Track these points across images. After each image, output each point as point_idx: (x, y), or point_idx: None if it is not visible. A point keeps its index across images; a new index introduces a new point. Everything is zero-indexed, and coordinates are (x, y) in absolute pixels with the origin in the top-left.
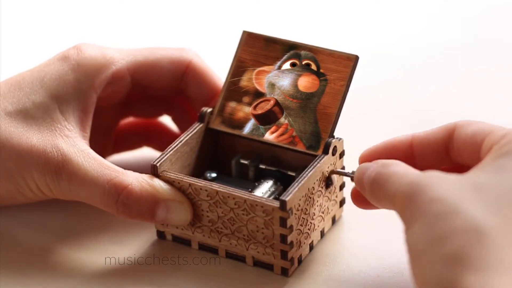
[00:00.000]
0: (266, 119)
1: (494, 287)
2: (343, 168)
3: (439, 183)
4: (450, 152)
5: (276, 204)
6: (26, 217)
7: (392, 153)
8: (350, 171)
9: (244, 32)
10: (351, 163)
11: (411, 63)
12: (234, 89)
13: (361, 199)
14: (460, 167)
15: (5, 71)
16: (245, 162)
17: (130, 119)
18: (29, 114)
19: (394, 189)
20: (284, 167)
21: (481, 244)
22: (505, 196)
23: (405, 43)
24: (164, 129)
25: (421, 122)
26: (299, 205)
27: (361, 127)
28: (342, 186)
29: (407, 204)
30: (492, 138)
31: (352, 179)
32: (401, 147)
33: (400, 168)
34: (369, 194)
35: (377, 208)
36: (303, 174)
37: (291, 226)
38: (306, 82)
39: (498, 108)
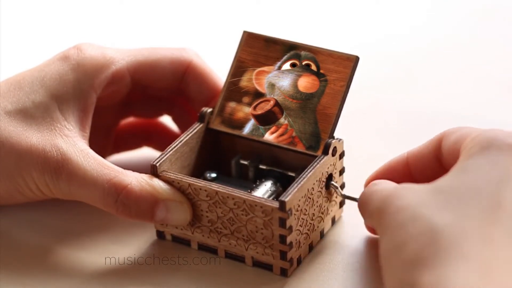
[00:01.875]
0: (266, 120)
1: (450, 279)
2: (343, 169)
3: (406, 193)
4: (441, 161)
5: (276, 204)
6: (26, 217)
7: (391, 173)
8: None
9: (244, 32)
10: (351, 164)
11: (412, 63)
12: (234, 89)
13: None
14: None
15: (5, 71)
16: (245, 162)
17: (130, 119)
18: (29, 114)
19: (372, 206)
20: (283, 167)
21: (435, 243)
22: (460, 194)
23: (405, 42)
24: (164, 129)
25: (422, 121)
26: (299, 206)
27: (361, 127)
28: (342, 187)
29: (379, 217)
30: (466, 142)
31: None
32: (398, 166)
33: (380, 186)
34: (361, 214)
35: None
36: (303, 175)
37: (291, 227)
38: (306, 83)
39: (497, 105)
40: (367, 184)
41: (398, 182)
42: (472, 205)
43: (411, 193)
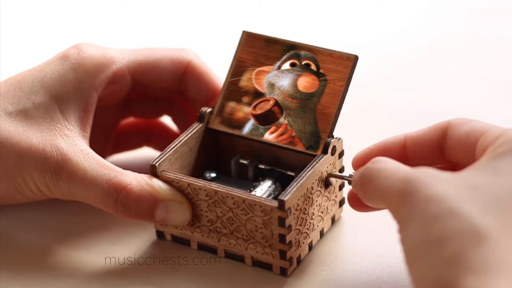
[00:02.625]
0: (266, 119)
1: None
2: (342, 168)
3: (435, 181)
4: (443, 151)
5: (275, 203)
6: (26, 217)
7: (385, 154)
8: (347, 174)
9: (244, 32)
10: (350, 164)
11: (411, 62)
12: (234, 89)
13: (358, 201)
14: (453, 166)
15: (5, 71)
16: (245, 162)
17: (130, 119)
18: (29, 114)
19: (386, 185)
20: (283, 167)
21: (480, 246)
22: (501, 197)
23: (405, 42)
24: (164, 129)
25: (421, 121)
26: (298, 205)
27: (361, 127)
28: (341, 186)
29: (401, 202)
30: (487, 138)
31: (349, 183)
32: (394, 148)
33: (390, 164)
34: (359, 190)
35: (373, 210)
36: (302, 174)
37: (290, 226)
38: (305, 82)
39: (497, 105)
40: (357, 160)
41: None
42: None
43: (441, 183)
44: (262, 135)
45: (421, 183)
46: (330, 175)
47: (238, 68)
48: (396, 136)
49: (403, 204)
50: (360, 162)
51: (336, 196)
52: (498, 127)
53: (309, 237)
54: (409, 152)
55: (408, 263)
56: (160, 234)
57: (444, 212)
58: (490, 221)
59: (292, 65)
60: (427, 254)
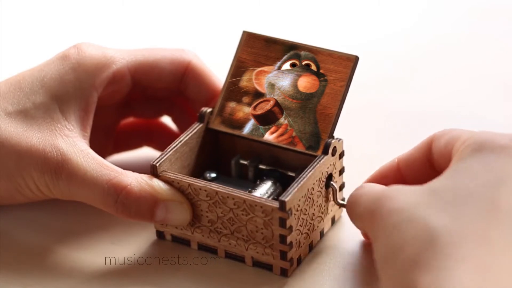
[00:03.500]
0: (266, 120)
1: (448, 281)
2: (343, 169)
3: (398, 194)
4: (434, 165)
5: (276, 204)
6: (26, 217)
7: (383, 180)
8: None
9: (244, 32)
10: (350, 164)
11: (411, 62)
12: (234, 89)
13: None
14: None
15: (5, 71)
16: (245, 162)
17: (130, 119)
18: (29, 114)
19: (362, 208)
20: (283, 167)
21: (433, 246)
22: (455, 196)
23: (405, 42)
24: (164, 129)
25: (421, 121)
26: (299, 206)
27: (361, 127)
28: (342, 187)
29: (371, 220)
30: (457, 145)
31: None
32: (389, 173)
33: (367, 188)
34: (349, 216)
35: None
36: (303, 175)
37: (291, 227)
38: (306, 83)
39: (496, 104)
40: None
41: None
42: (468, 207)
43: (403, 194)
44: (262, 135)
45: (386, 198)
46: (336, 202)
47: (238, 68)
48: (389, 162)
49: (372, 221)
50: None
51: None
52: (470, 132)
53: (309, 237)
54: (403, 173)
55: (379, 275)
56: (160, 234)
57: (403, 220)
58: (442, 220)
59: (292, 65)
60: (389, 263)
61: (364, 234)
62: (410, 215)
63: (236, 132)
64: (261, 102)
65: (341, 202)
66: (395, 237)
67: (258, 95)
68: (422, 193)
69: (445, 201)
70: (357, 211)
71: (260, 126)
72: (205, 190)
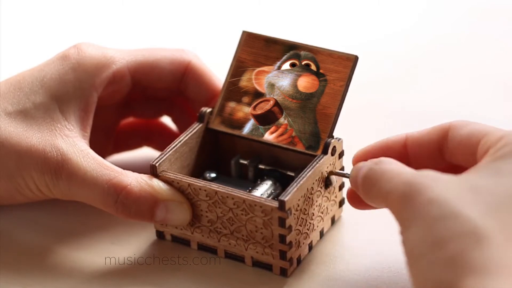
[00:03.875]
0: (266, 119)
1: None
2: (342, 168)
3: (437, 183)
4: (444, 152)
5: (275, 204)
6: (26, 217)
7: (386, 153)
8: (349, 172)
9: (244, 32)
10: (350, 163)
11: (411, 62)
12: (234, 89)
13: (357, 199)
14: (454, 167)
15: (5, 71)
16: (245, 162)
17: (130, 119)
18: (29, 114)
19: (389, 187)
20: (283, 167)
21: (480, 248)
22: (502, 199)
23: (405, 42)
24: (164, 129)
25: (421, 121)
26: (298, 205)
27: (361, 127)
28: (341, 186)
29: (403, 205)
30: (489, 140)
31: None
32: (395, 147)
33: (394, 166)
34: (361, 191)
35: (372, 208)
36: (302, 174)
37: (290, 226)
38: (305, 83)
39: (495, 104)
40: (357, 157)
41: None
42: None
43: (443, 185)
44: (262, 135)
45: (423, 186)
46: (331, 172)
47: (238, 68)
48: (398, 135)
49: (405, 206)
50: (360, 159)
51: (336, 197)
52: (500, 129)
53: (309, 237)
54: (409, 152)
55: (409, 265)
56: (160, 234)
57: (445, 214)
58: (491, 223)
59: (292, 65)
60: (428, 256)
61: (356, 201)
62: (454, 209)
63: (236, 132)
64: (261, 102)
65: (336, 171)
66: (436, 229)
67: (258, 95)
68: (465, 188)
69: (490, 201)
70: (382, 189)
71: (260, 126)
72: (205, 190)
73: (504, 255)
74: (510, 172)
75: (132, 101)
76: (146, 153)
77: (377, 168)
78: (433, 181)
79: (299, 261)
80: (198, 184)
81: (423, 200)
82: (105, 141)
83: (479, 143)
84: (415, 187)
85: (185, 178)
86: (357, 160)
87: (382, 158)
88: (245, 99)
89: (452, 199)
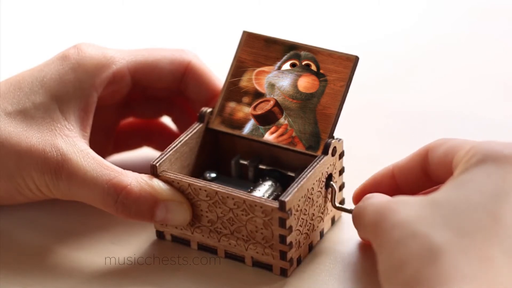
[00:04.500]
0: (266, 120)
1: None
2: (343, 169)
3: (403, 207)
4: (429, 174)
5: (276, 204)
6: (26, 217)
7: (377, 187)
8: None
9: (244, 32)
10: (350, 164)
11: (411, 62)
12: (234, 89)
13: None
14: None
15: (5, 71)
16: (245, 162)
17: (130, 119)
18: (29, 115)
19: (367, 220)
20: (283, 167)
21: (435, 263)
22: (458, 209)
23: (405, 42)
24: (164, 129)
25: (421, 121)
26: (299, 206)
27: (361, 127)
28: (341, 187)
29: (374, 233)
30: (459, 155)
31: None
32: (384, 180)
33: (373, 199)
34: (356, 227)
35: None
36: (303, 175)
37: (290, 227)
38: (305, 83)
39: (495, 104)
40: (354, 197)
41: (386, 194)
42: (470, 221)
43: (407, 208)
44: (262, 135)
45: (389, 211)
46: (335, 206)
47: (238, 68)
48: (385, 168)
49: (375, 234)
50: (358, 198)
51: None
52: (470, 142)
53: (309, 237)
54: (398, 181)
55: None
56: (160, 234)
57: (406, 236)
58: (447, 235)
59: (292, 65)
60: (391, 280)
61: (367, 241)
62: (413, 230)
63: (236, 132)
64: (261, 102)
65: (338, 205)
66: (398, 252)
67: (258, 95)
68: (426, 206)
69: (448, 214)
70: (362, 222)
71: (260, 126)
72: (205, 190)
73: (460, 265)
74: (468, 181)
75: (132, 101)
76: (146, 153)
77: (361, 205)
78: (400, 205)
79: (299, 261)
80: (198, 184)
81: (388, 225)
82: (105, 141)
83: (453, 160)
84: (383, 213)
85: (185, 178)
86: (355, 199)
87: (370, 195)
88: (245, 99)
89: (413, 219)
